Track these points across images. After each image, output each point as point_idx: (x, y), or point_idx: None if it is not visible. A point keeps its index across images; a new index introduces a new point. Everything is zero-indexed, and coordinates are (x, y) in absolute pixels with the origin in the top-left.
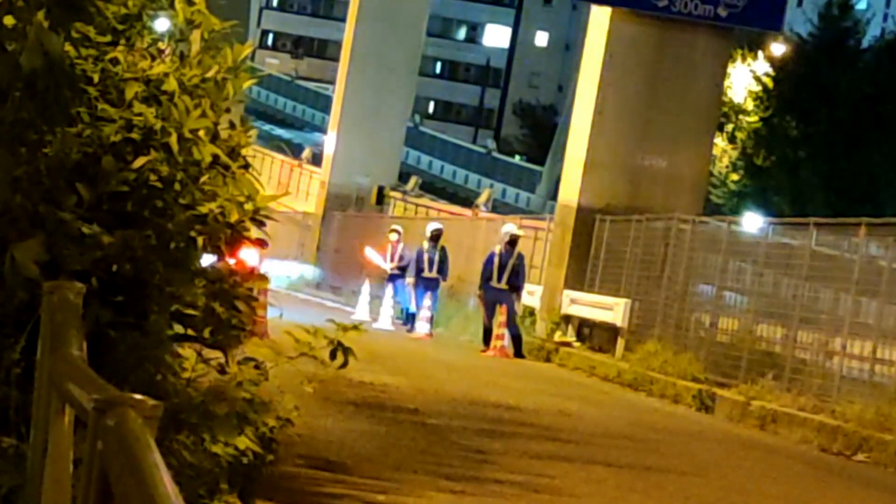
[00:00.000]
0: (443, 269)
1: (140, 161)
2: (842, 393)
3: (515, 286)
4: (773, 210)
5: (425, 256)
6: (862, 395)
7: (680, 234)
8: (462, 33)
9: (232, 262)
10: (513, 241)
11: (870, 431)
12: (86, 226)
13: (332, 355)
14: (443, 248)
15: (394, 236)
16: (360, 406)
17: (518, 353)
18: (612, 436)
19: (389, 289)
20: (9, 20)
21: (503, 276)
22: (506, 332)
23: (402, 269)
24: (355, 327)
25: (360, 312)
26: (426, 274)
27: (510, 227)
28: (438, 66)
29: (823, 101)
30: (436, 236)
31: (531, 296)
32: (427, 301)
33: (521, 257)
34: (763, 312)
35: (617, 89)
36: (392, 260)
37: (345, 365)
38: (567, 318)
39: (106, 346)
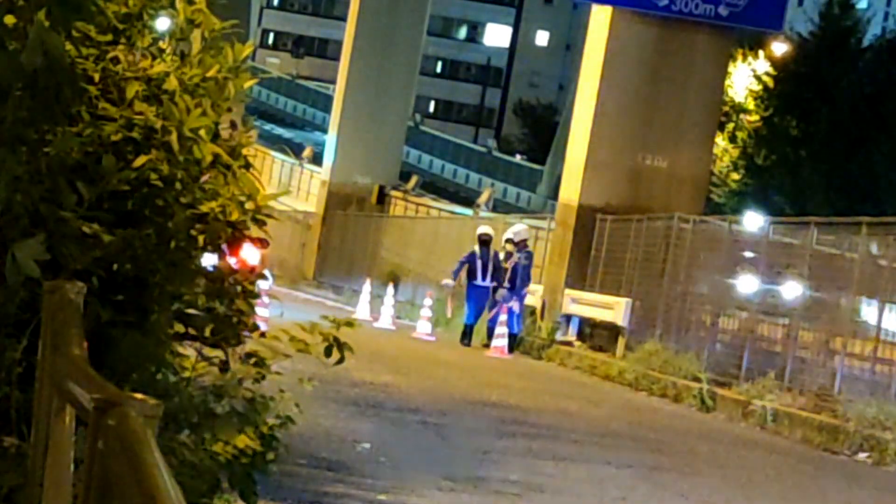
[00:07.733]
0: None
1: (141, 160)
2: (843, 392)
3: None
4: (773, 209)
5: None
6: (863, 394)
7: (681, 234)
8: (463, 33)
9: (233, 260)
10: (485, 241)
11: (871, 431)
12: (86, 225)
13: (328, 352)
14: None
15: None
16: (362, 405)
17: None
18: (613, 435)
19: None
20: (10, 19)
21: (487, 275)
22: (505, 330)
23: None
24: (349, 323)
25: (361, 312)
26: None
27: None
28: (439, 65)
29: (824, 101)
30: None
31: (532, 295)
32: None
33: (496, 255)
34: (764, 311)
35: (617, 89)
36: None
37: (341, 361)
38: (568, 318)
39: (106, 345)
